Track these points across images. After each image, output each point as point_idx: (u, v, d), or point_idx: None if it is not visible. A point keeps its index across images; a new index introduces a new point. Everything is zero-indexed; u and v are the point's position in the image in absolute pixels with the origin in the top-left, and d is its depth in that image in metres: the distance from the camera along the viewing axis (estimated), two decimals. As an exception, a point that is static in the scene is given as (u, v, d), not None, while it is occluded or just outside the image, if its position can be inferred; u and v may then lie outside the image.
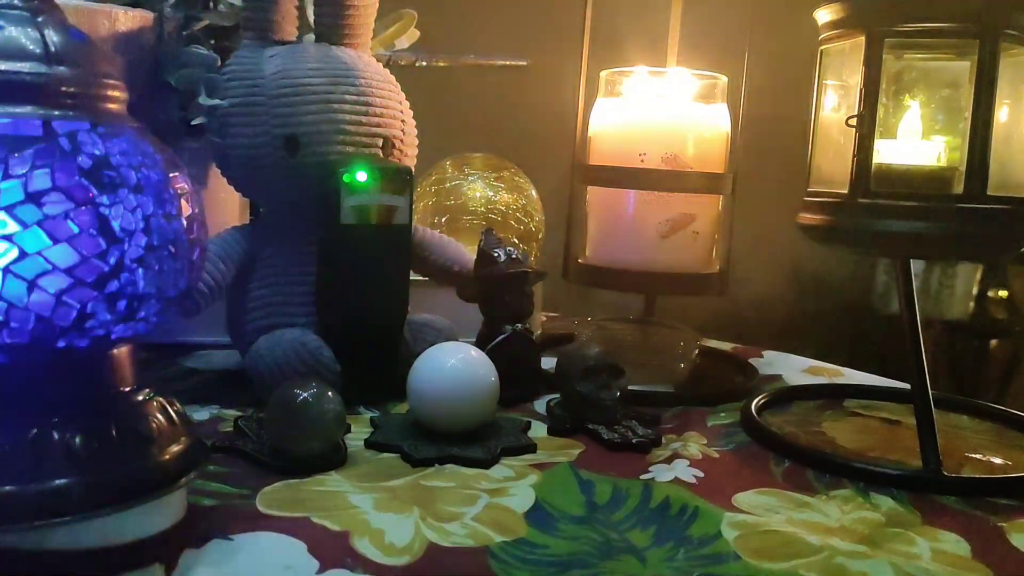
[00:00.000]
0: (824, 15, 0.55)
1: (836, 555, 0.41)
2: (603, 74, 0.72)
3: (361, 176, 0.58)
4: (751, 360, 0.78)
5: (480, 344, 0.60)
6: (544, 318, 0.86)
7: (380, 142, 0.62)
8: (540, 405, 0.63)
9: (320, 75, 0.61)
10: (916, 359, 0.54)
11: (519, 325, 0.63)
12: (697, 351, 0.72)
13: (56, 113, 0.35)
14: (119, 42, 0.62)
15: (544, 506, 0.45)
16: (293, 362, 0.57)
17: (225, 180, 0.65)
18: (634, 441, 0.55)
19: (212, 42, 0.67)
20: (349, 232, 0.59)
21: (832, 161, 0.56)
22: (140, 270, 0.36)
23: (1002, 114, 0.51)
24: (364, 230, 0.59)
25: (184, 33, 0.66)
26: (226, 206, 0.74)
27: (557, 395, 0.62)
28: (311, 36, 0.66)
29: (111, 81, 0.37)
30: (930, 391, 0.53)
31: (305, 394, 0.47)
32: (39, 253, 0.33)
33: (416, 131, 0.66)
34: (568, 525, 0.44)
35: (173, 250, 0.37)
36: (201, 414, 0.57)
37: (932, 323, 1.29)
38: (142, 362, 0.40)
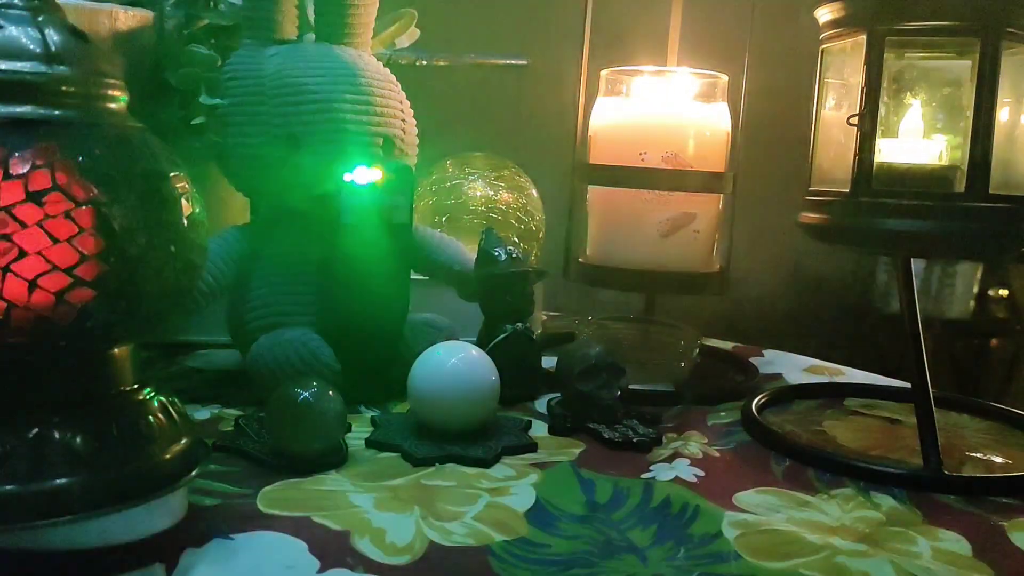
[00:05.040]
0: (825, 14, 0.55)
1: (837, 554, 0.41)
2: (603, 73, 0.72)
3: (361, 176, 0.58)
4: (751, 359, 0.78)
5: (480, 343, 0.60)
6: (545, 317, 0.86)
7: (380, 141, 0.62)
8: (541, 404, 0.63)
9: (320, 75, 0.61)
10: (916, 358, 0.54)
11: (520, 324, 0.63)
12: (698, 350, 0.72)
13: (56, 112, 0.35)
14: (119, 41, 0.62)
15: (545, 505, 0.45)
16: (294, 361, 0.57)
17: (225, 180, 0.65)
18: (635, 440, 0.55)
19: (212, 41, 0.67)
20: (349, 232, 0.59)
21: (833, 160, 0.56)
22: (140, 269, 0.36)
23: (1003, 113, 0.51)
24: (364, 230, 0.59)
25: (184, 32, 0.66)
26: (226, 206, 0.74)
27: (558, 394, 0.62)
28: (311, 36, 0.66)
29: (111, 80, 0.37)
30: (931, 390, 0.53)
31: (306, 393, 0.47)
32: (39, 252, 0.33)
33: (416, 131, 0.66)
34: (569, 524, 0.44)
35: (173, 249, 0.37)
36: (202, 413, 0.57)
37: (932, 322, 1.29)
38: (142, 361, 0.40)
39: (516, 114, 1.16)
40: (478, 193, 0.79)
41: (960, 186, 0.51)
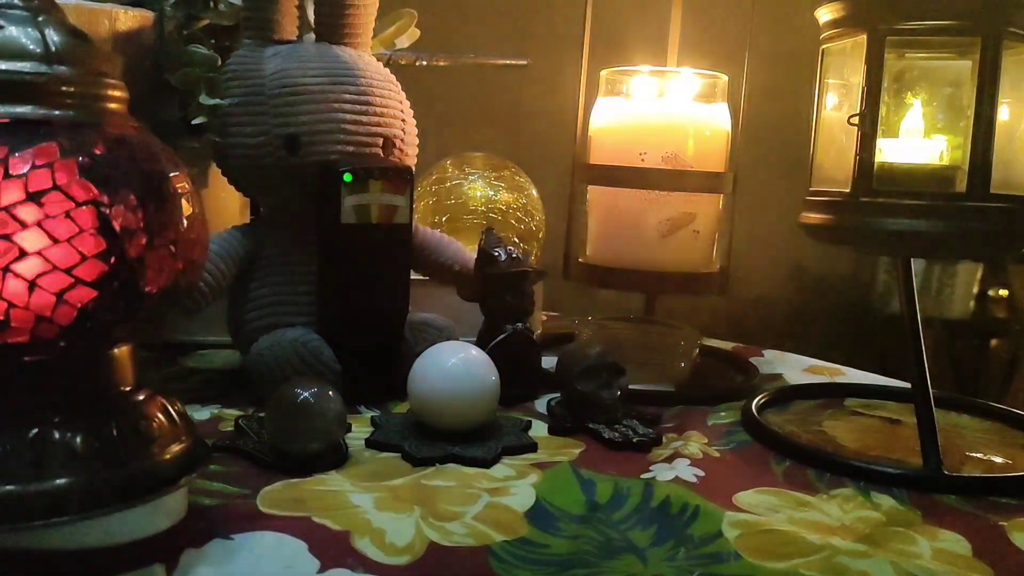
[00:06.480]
0: (825, 14, 0.55)
1: (837, 554, 0.41)
2: (603, 73, 0.72)
3: (361, 175, 0.58)
4: (752, 359, 0.78)
5: (480, 343, 0.60)
6: (544, 317, 0.86)
7: (380, 141, 0.62)
8: (541, 404, 0.63)
9: (320, 75, 0.61)
10: (917, 358, 0.54)
11: (520, 324, 0.63)
12: (698, 350, 0.72)
13: (56, 112, 0.35)
14: (119, 41, 0.62)
15: (545, 505, 0.45)
16: (294, 361, 0.57)
17: (225, 180, 0.65)
18: (635, 440, 0.55)
19: (212, 42, 0.67)
20: (349, 232, 0.59)
21: (834, 160, 0.56)
22: (140, 269, 0.36)
23: (1004, 112, 0.51)
24: (364, 230, 0.59)
25: (184, 32, 0.66)
26: (226, 206, 0.74)
27: (558, 394, 0.62)
28: (311, 36, 0.66)
29: (111, 80, 0.37)
30: (931, 390, 0.53)
31: (306, 393, 0.47)
32: (40, 252, 0.33)
33: (416, 131, 0.66)
34: (569, 524, 0.44)
35: (173, 249, 0.37)
36: (202, 413, 0.57)
37: (933, 322, 1.29)
38: (142, 361, 0.40)
39: (516, 114, 1.16)
40: (478, 193, 0.79)
41: (961, 186, 0.51)
